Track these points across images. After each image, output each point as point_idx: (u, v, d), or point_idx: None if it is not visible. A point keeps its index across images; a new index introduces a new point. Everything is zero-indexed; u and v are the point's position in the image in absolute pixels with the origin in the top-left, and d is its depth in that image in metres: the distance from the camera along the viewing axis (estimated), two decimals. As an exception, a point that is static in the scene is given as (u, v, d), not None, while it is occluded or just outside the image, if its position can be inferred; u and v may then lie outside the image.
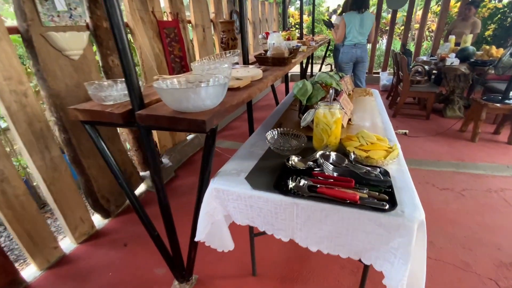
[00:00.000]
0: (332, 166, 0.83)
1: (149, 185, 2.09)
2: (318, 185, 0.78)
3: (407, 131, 2.78)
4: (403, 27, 5.11)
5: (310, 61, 4.39)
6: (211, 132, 0.84)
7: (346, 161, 0.89)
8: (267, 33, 2.27)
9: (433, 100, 3.11)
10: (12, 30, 1.20)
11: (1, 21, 1.14)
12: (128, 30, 1.85)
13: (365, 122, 1.31)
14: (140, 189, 2.07)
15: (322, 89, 1.20)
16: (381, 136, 1.05)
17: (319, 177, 0.82)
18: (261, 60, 1.64)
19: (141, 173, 2.09)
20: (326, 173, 0.83)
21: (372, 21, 2.95)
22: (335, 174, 0.81)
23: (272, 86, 3.10)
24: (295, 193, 0.76)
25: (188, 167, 2.45)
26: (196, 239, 0.93)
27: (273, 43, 1.75)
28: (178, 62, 2.36)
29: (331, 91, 1.02)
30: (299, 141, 1.11)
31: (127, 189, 1.08)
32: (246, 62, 1.62)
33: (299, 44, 1.98)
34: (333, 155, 0.91)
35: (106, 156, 1.04)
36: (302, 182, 0.79)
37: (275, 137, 1.13)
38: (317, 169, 0.88)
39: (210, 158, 0.89)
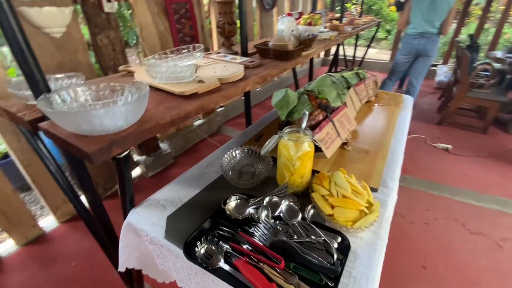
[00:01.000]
0: (262, 231, 0.60)
1: (144, 171, 2.04)
2: (237, 256, 0.57)
3: (450, 146, 2.27)
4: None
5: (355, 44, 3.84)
6: (117, 160, 0.66)
7: (299, 217, 0.65)
8: (290, 14, 1.92)
9: (496, 110, 2.46)
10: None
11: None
12: (127, 5, 1.69)
13: (370, 147, 1.00)
14: (135, 173, 2.04)
15: (310, 102, 0.92)
16: (368, 181, 0.76)
17: (246, 243, 0.60)
18: (262, 52, 1.37)
19: (136, 158, 2.04)
20: (256, 239, 0.60)
21: (448, 6, 2.18)
22: (265, 243, 0.58)
23: (294, 72, 2.75)
24: (202, 260, 0.56)
25: (190, 154, 2.35)
26: (118, 270, 0.81)
27: (282, 30, 1.45)
28: (188, 42, 2.17)
29: (304, 114, 0.75)
30: (266, 166, 0.88)
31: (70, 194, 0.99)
32: (244, 53, 1.36)
33: (315, 34, 1.63)
34: (283, 205, 0.67)
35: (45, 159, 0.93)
36: (219, 246, 0.58)
37: (237, 158, 0.91)
38: (253, 225, 0.65)
39: (125, 187, 0.72)
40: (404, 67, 2.63)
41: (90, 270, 1.31)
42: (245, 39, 1.34)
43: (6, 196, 1.33)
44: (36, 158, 1.40)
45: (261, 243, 0.58)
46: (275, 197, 0.70)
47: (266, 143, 0.76)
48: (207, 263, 0.55)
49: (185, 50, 0.91)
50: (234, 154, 0.91)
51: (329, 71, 3.16)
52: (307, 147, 0.71)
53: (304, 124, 0.74)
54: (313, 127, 0.89)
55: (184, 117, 0.75)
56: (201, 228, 0.63)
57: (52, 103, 0.58)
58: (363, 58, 3.99)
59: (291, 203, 0.67)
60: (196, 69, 1.03)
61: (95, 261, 1.36)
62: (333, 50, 3.72)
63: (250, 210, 0.67)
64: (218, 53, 1.39)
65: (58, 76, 0.83)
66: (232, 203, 0.69)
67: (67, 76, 0.86)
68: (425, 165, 2.07)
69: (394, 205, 0.75)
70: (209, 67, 1.07)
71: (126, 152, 0.66)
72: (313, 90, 0.96)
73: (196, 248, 0.58)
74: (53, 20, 1.28)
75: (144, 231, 0.68)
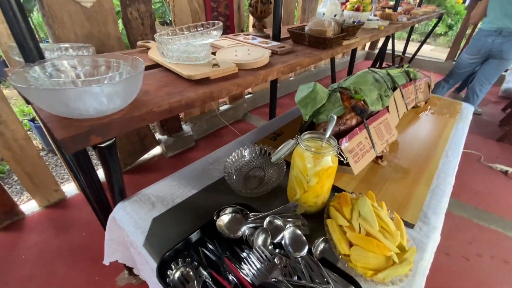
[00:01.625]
0: (254, 263, 0.48)
1: (164, 151, 2.02)
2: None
3: (510, 169, 1.90)
4: None
5: (408, 38, 3.40)
6: (99, 149, 0.57)
7: (305, 251, 0.51)
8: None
9: None
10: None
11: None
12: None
13: (411, 166, 0.80)
14: (155, 151, 2.03)
15: (342, 102, 0.75)
16: (402, 212, 0.59)
17: (231, 273, 0.48)
18: (296, 37, 1.19)
19: (158, 136, 2.02)
20: (244, 271, 0.47)
21: None
22: (254, 280, 0.46)
23: (332, 64, 2.49)
24: (175, 286, 0.46)
25: (212, 139, 2.28)
26: (103, 262, 0.75)
27: (322, 14, 1.25)
28: (222, 22, 2.03)
29: (332, 118, 0.59)
30: (278, 172, 0.75)
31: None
32: (276, 36, 1.20)
33: (362, 21, 1.38)
34: (287, 232, 0.53)
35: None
36: (198, 272, 0.47)
37: (245, 159, 0.78)
38: (247, 248, 0.53)
39: (112, 179, 0.63)
40: (468, 69, 2.22)
41: (98, 245, 1.32)
42: (279, 21, 1.17)
43: (32, 159, 1.37)
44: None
45: (248, 280, 0.45)
46: (278, 217, 0.56)
47: (279, 148, 0.62)
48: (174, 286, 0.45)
49: (202, 28, 0.79)
50: (242, 154, 0.78)
51: (373, 66, 2.82)
52: (329, 161, 0.55)
53: (329, 131, 0.58)
54: (342, 134, 0.72)
55: (186, 105, 0.63)
56: (185, 241, 0.53)
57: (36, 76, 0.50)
58: (415, 54, 3.52)
59: (297, 231, 0.53)
60: (215, 52, 0.90)
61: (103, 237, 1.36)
62: (380, 42, 3.33)
63: (246, 229, 0.55)
64: (247, 34, 1.25)
65: (63, 45, 0.76)
66: (226, 216, 0.57)
67: (75, 47, 0.79)
68: (475, 187, 1.75)
69: (434, 251, 0.57)
70: (231, 49, 0.94)
71: (110, 141, 0.56)
72: (349, 88, 0.78)
73: (171, 269, 0.47)
74: (83, -12, 1.23)
75: (126, 231, 0.60)
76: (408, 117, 1.11)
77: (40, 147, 2.07)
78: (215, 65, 0.78)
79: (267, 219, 0.56)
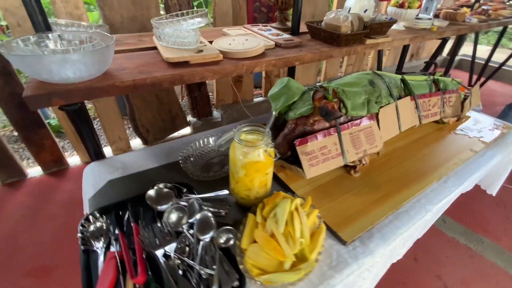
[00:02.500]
0: (156, 233, 0.50)
1: (192, 133, 2.17)
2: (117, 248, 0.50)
3: None
4: None
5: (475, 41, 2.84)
6: (66, 111, 0.66)
7: (208, 236, 0.51)
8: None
9: None
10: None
11: None
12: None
13: (389, 184, 0.71)
14: (184, 131, 2.19)
15: (312, 102, 0.70)
16: (341, 226, 0.54)
17: (131, 235, 0.52)
18: (312, 31, 1.14)
19: (189, 118, 2.17)
20: (145, 239, 0.51)
21: None
22: (145, 247, 0.49)
23: (379, 63, 2.25)
24: (89, 235, 0.52)
25: (240, 128, 2.34)
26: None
27: (349, 8, 1.16)
28: (264, 13, 2.04)
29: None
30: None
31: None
32: (295, 30, 1.17)
33: (393, 18, 1.21)
34: (199, 216, 0.55)
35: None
36: (108, 230, 0.53)
37: (210, 145, 0.81)
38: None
39: (85, 139, 0.73)
40: None
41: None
42: (298, 14, 1.14)
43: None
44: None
45: (142, 245, 0.49)
46: (199, 200, 0.58)
47: (222, 137, 0.62)
48: (85, 240, 0.51)
49: (189, 15, 0.82)
50: (208, 141, 0.80)
51: (398, 69, 2.35)
52: (258, 156, 0.54)
53: (268, 126, 0.56)
54: (306, 134, 0.68)
55: (152, 84, 0.69)
56: (117, 203, 0.59)
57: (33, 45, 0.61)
58: (502, 64, 2.91)
59: (210, 216, 0.54)
60: (212, 41, 0.93)
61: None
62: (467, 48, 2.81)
63: (173, 205, 0.58)
64: (265, 26, 1.24)
65: (77, 22, 0.88)
66: (159, 190, 0.61)
67: (92, 26, 0.92)
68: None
69: (358, 274, 0.51)
70: (229, 38, 0.95)
71: (76, 106, 0.65)
72: (327, 87, 0.72)
73: (89, 222, 0.54)
74: (131, -24, 1.39)
75: (84, 186, 0.69)
76: (420, 132, 0.96)
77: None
78: (200, 51, 0.82)
79: (191, 200, 0.58)
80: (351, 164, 0.73)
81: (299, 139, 0.66)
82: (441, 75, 1.05)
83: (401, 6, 1.32)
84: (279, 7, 1.23)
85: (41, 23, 0.70)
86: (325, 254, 0.52)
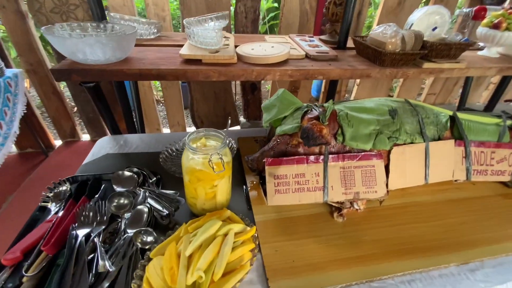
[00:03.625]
0: (90, 214, 0.50)
1: (241, 131, 2.20)
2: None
3: None
4: None
5: None
6: (86, 87, 0.74)
7: (132, 231, 0.49)
8: (482, 9, 1.17)
9: None
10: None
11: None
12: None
13: (374, 244, 0.54)
14: (233, 129, 2.25)
15: (299, 122, 0.58)
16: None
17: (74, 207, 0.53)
18: (357, 46, 0.98)
19: (240, 118, 2.22)
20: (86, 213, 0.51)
21: None
22: (76, 223, 0.49)
23: (463, 90, 1.75)
24: (54, 195, 0.57)
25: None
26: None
27: (411, 24, 0.95)
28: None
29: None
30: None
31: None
32: (342, 45, 1.03)
33: (470, 39, 0.88)
34: (136, 209, 0.52)
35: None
36: (66, 193, 0.56)
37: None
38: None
39: (102, 113, 0.81)
40: None
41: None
42: (347, 26, 1.00)
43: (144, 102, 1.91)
44: (171, 84, 1.86)
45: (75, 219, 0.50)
46: (157, 197, 0.56)
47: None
48: (47, 199, 0.56)
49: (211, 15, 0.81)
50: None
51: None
52: (200, 163, 0.48)
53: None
54: (287, 155, 0.58)
55: (156, 75, 0.72)
56: (90, 176, 0.63)
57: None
58: None
59: (144, 213, 0.51)
60: (239, 45, 0.90)
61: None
62: None
63: (132, 191, 0.58)
64: (311, 36, 1.13)
65: (134, 18, 0.99)
66: (127, 173, 0.62)
67: (151, 22, 1.02)
68: None
69: None
70: (257, 43, 0.91)
71: (91, 84, 0.73)
72: (327, 108, 0.59)
73: (60, 185, 0.59)
74: (207, -17, 1.51)
75: (87, 157, 0.76)
76: (470, 191, 0.68)
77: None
78: (217, 51, 0.80)
79: (142, 191, 0.57)
80: (335, 204, 0.58)
81: (271, 158, 0.56)
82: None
83: (495, 26, 0.98)
84: (330, 18, 1.10)
85: (98, 14, 0.82)
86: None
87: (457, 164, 0.65)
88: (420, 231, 0.57)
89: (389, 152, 0.59)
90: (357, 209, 0.59)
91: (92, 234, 0.48)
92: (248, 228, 0.49)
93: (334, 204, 0.58)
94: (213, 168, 0.47)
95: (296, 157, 0.56)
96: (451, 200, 0.65)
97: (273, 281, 0.45)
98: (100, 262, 0.43)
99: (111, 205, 0.54)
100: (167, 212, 0.54)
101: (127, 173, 0.62)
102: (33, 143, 1.87)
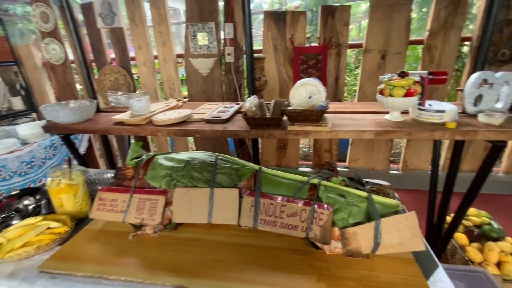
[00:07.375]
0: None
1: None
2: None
3: None
4: None
5: None
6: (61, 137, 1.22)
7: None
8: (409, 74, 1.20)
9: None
10: (177, 56, 2.13)
11: (173, 50, 2.09)
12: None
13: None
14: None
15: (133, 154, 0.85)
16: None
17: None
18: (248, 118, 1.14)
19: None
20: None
21: None
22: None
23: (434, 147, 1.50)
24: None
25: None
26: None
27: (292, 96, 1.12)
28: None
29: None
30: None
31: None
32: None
33: (325, 105, 0.90)
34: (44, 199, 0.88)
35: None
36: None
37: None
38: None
39: (75, 154, 1.27)
40: None
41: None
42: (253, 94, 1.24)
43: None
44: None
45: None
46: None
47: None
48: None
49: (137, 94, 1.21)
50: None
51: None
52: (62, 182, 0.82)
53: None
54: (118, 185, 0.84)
55: (92, 130, 1.14)
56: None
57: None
58: None
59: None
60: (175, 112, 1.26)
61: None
62: None
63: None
64: (238, 103, 1.40)
65: (131, 94, 1.52)
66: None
67: (142, 94, 1.53)
68: None
69: None
70: (177, 111, 1.25)
71: (63, 135, 1.21)
72: (149, 155, 0.84)
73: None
74: (201, 66, 2.04)
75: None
76: (250, 239, 0.74)
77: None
78: (138, 115, 1.19)
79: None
80: (132, 223, 0.78)
81: (106, 186, 0.84)
82: (343, 181, 0.76)
83: (381, 93, 1.02)
84: (256, 88, 1.36)
85: (91, 95, 1.37)
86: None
87: (245, 211, 0.75)
88: (179, 258, 0.69)
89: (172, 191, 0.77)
90: (142, 232, 0.77)
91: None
92: (63, 226, 0.76)
93: (131, 224, 0.78)
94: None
95: (119, 187, 0.82)
96: (232, 243, 0.74)
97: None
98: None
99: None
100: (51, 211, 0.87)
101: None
102: None
